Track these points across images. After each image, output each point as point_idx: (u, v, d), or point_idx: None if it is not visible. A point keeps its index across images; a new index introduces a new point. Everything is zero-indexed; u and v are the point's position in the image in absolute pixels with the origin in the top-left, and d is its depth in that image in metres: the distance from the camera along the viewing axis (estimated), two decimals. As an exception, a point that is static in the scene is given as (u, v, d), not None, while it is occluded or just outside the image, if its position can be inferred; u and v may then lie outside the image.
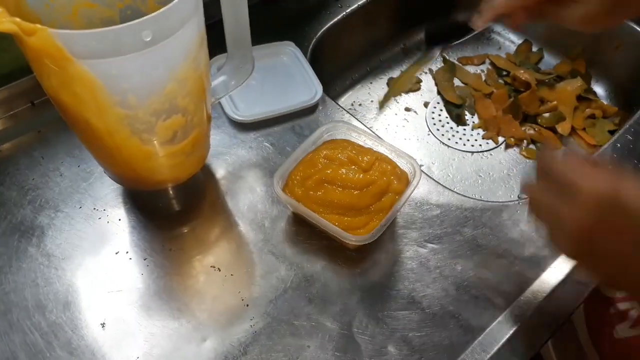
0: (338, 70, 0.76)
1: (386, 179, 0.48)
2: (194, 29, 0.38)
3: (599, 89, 0.76)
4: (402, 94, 0.77)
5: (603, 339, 0.55)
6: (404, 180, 0.49)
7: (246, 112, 0.58)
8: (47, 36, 0.32)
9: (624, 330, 0.50)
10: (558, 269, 0.48)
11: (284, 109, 0.58)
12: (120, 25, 0.33)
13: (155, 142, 0.42)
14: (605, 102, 0.75)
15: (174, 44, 0.36)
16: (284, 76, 0.62)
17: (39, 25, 0.32)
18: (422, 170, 0.50)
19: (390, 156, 0.51)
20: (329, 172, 0.48)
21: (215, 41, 0.45)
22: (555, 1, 0.46)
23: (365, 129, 0.57)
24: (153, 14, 0.34)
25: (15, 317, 0.44)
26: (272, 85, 0.61)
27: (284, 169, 0.49)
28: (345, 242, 0.47)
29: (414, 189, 0.48)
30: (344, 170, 0.48)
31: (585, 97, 0.73)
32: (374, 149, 0.51)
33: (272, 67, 0.63)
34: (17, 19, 0.32)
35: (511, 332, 0.44)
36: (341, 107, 0.61)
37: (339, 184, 0.48)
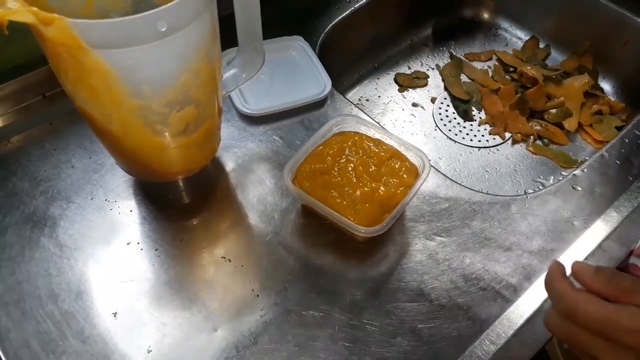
0: (346, 65, 0.76)
1: (396, 172, 0.49)
2: (208, 20, 0.38)
3: (606, 85, 0.76)
4: (409, 89, 0.77)
5: None
6: (413, 174, 0.49)
7: (255, 105, 0.58)
8: (64, 26, 0.33)
9: None
10: (566, 262, 0.48)
11: (293, 102, 0.59)
12: (136, 16, 0.34)
13: (167, 133, 0.42)
14: (612, 99, 0.75)
15: (188, 35, 0.37)
16: (293, 70, 0.63)
17: (56, 15, 0.32)
18: (431, 165, 0.50)
19: (399, 149, 0.51)
20: (337, 168, 0.49)
21: (225, 35, 0.45)
22: None
23: (374, 122, 0.57)
24: (168, 5, 0.34)
25: (29, 306, 0.44)
26: (281, 79, 0.62)
27: (294, 162, 0.49)
28: (354, 235, 0.47)
29: (424, 182, 0.48)
30: (352, 165, 0.49)
31: (592, 94, 0.73)
32: (384, 142, 0.51)
33: (281, 62, 0.63)
34: (35, 9, 0.32)
35: (519, 324, 0.45)
36: (350, 101, 0.61)
37: (348, 177, 0.48)
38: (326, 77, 0.61)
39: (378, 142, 0.51)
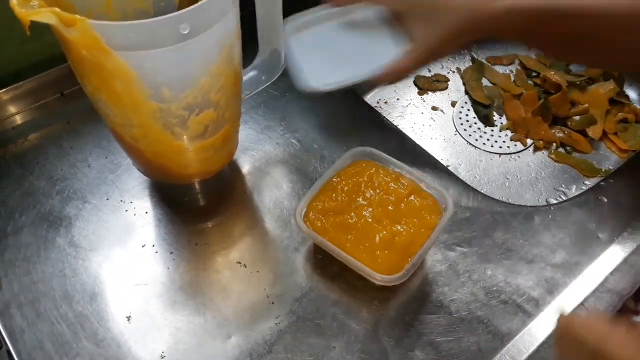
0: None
1: (416, 211, 0.45)
2: (231, 22, 0.38)
3: (632, 93, 0.74)
4: (429, 92, 0.76)
5: None
6: (436, 212, 0.45)
7: (322, 81, 0.51)
8: (86, 27, 0.32)
9: None
10: (591, 277, 0.47)
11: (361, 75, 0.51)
12: (158, 18, 0.33)
13: (186, 136, 0.42)
14: (638, 106, 0.73)
15: (210, 38, 0.36)
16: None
17: (78, 16, 0.32)
18: (451, 171, 0.48)
19: (418, 185, 0.47)
20: (353, 207, 0.45)
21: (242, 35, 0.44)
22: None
23: (391, 158, 0.49)
24: (192, 7, 0.33)
25: (43, 307, 0.44)
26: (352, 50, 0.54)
27: (307, 199, 0.46)
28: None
29: (445, 223, 0.44)
30: (370, 204, 0.45)
31: (617, 101, 0.71)
32: (402, 176, 0.48)
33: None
34: (57, 9, 0.32)
35: (541, 340, 0.43)
36: (368, 103, 0.60)
37: (366, 219, 0.45)
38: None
39: (396, 177, 0.47)
